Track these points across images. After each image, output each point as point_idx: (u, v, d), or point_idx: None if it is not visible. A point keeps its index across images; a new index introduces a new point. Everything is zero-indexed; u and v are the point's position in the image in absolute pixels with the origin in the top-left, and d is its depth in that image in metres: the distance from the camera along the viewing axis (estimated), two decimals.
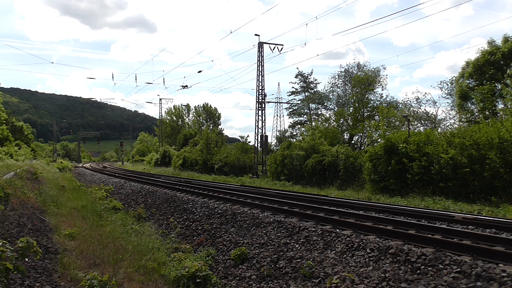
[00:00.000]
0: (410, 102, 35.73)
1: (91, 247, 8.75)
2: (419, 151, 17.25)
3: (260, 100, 33.89)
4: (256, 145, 35.28)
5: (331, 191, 19.49)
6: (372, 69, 38.43)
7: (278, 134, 58.06)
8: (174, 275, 7.52)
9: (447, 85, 33.75)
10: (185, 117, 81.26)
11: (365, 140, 36.09)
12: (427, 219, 10.09)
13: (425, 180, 16.52)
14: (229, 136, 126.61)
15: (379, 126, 23.81)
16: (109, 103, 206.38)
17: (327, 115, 41.10)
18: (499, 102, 25.97)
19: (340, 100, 40.88)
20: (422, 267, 6.18)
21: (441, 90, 34.62)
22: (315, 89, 50.28)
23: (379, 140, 26.19)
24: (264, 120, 34.10)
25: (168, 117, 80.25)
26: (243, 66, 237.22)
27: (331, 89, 42.07)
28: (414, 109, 35.11)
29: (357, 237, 7.90)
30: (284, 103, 65.45)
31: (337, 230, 8.59)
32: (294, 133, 50.59)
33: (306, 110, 48.93)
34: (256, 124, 34.17)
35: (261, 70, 33.43)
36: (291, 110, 52.15)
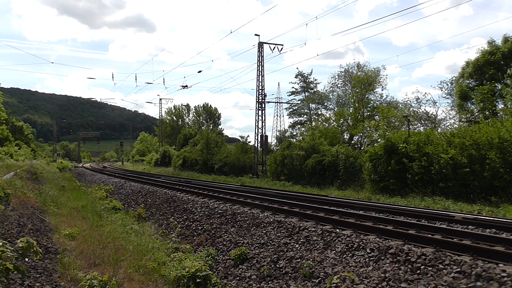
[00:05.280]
0: (410, 102, 35.70)
1: (91, 247, 8.74)
2: (419, 151, 17.25)
3: (260, 100, 33.88)
4: (256, 145, 35.28)
5: (331, 191, 19.48)
6: (372, 69, 38.40)
7: (278, 134, 57.86)
8: (174, 275, 7.52)
9: (447, 85, 33.73)
10: (185, 117, 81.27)
11: (365, 140, 36.03)
12: (427, 219, 10.09)
13: (425, 180, 16.51)
14: (229, 136, 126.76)
15: (379, 126, 23.81)
16: (109, 103, 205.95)
17: (327, 115, 41.05)
18: (499, 102, 25.94)
19: (340, 100, 40.82)
20: (422, 267, 6.18)
21: (441, 90, 34.58)
22: (315, 89, 50.25)
23: (379, 140, 26.22)
24: (264, 120, 34.11)
25: (168, 117, 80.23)
26: (243, 66, 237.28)
27: (331, 89, 42.09)
28: (414, 109, 35.08)
29: (357, 237, 7.89)
30: (284, 103, 65.30)
31: (337, 230, 8.59)
32: (294, 133, 50.45)
33: (306, 110, 48.88)
34: (256, 124, 34.19)
35: (261, 70, 33.43)
36: (291, 110, 52.16)
